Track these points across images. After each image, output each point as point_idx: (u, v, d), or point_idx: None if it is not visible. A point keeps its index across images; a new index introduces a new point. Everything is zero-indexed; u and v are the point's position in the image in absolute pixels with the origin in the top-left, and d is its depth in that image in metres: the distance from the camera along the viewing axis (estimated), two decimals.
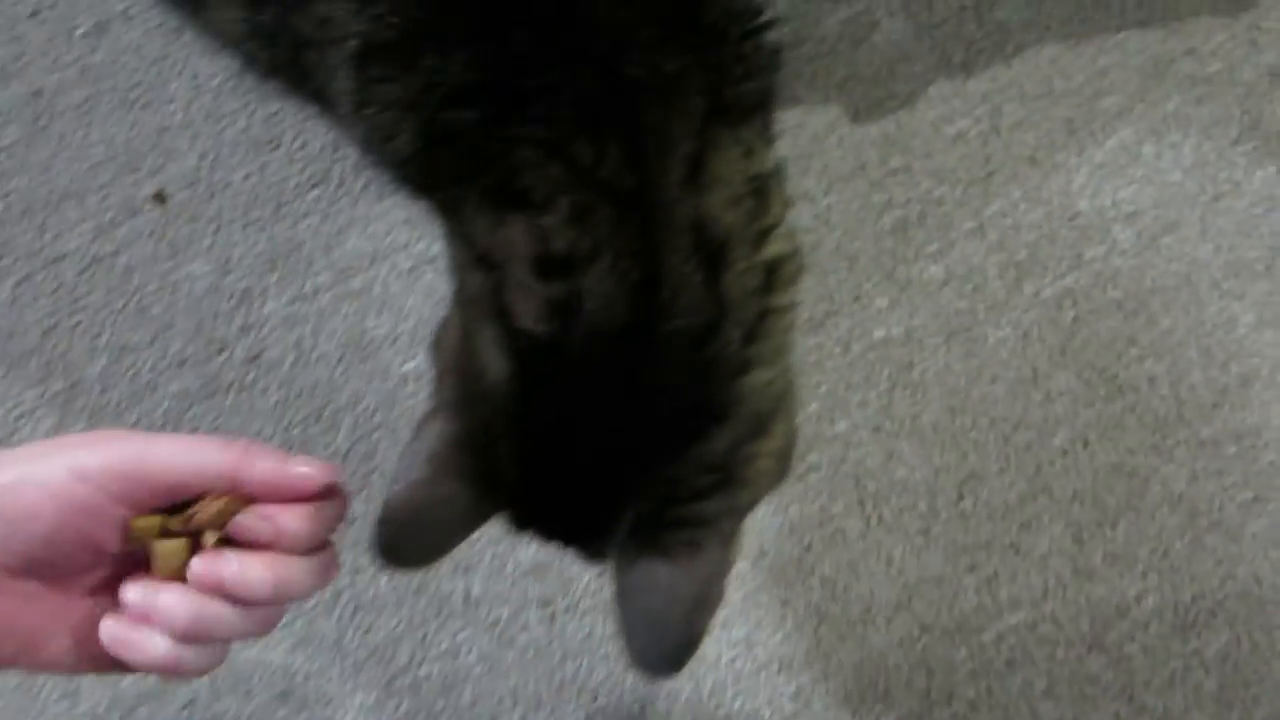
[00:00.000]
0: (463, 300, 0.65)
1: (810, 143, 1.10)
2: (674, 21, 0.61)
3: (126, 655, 0.55)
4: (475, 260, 0.62)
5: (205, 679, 1.07)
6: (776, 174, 0.67)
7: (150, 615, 0.54)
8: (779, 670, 1.03)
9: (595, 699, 1.04)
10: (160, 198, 1.11)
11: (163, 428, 1.08)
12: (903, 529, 1.05)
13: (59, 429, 1.09)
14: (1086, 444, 1.05)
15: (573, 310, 0.58)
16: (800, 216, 1.09)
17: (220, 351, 1.09)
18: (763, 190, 0.64)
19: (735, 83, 0.64)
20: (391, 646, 1.06)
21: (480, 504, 0.64)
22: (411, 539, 0.64)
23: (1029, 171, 1.08)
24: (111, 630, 0.55)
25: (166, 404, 1.09)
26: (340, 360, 1.10)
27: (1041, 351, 1.07)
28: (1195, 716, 1.01)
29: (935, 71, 1.11)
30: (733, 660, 1.04)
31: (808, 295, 1.07)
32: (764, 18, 0.66)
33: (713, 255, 0.60)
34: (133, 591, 0.55)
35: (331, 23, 0.64)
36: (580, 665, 1.05)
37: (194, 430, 1.09)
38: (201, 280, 1.10)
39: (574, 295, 0.58)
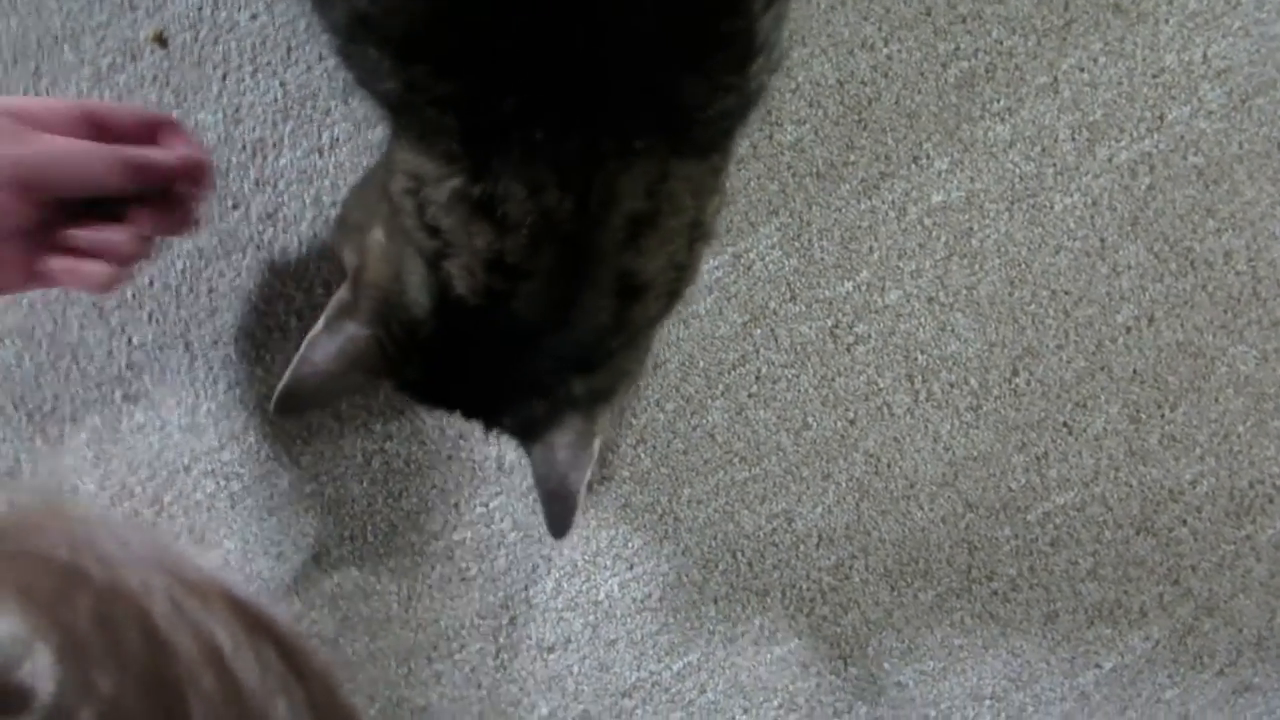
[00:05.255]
0: (399, 228, 0.69)
1: None
2: (658, 99, 0.64)
3: (73, 279, 0.73)
4: (427, 227, 0.66)
5: (239, 545, 1.04)
6: (712, 215, 0.72)
7: (98, 248, 0.73)
8: (818, 543, 0.99)
9: (631, 567, 1.00)
10: (161, 40, 0.99)
11: (179, 289, 1.01)
12: (952, 405, 0.98)
13: None
14: (1152, 321, 0.96)
15: (504, 299, 0.66)
16: (858, 66, 0.97)
17: (235, 207, 1.00)
18: (697, 238, 0.70)
19: (706, 126, 0.67)
20: (424, 512, 1.02)
21: (380, 385, 0.78)
22: (308, 403, 0.80)
23: (1112, 20, 0.96)
24: (62, 264, 0.73)
25: (181, 264, 1.01)
26: None
27: (1111, 221, 0.97)
28: (1241, 601, 0.96)
29: None
30: (771, 533, 0.99)
31: (863, 155, 0.97)
32: (756, 64, 0.66)
33: (629, 295, 0.68)
34: (85, 233, 0.73)
35: None
36: (616, 534, 1.00)
37: (211, 293, 1.02)
38: (210, 131, 1.00)
39: (510, 292, 0.66)
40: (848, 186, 0.94)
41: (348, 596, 0.98)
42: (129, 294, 0.97)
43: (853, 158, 0.94)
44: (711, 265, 0.95)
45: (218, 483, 0.98)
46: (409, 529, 0.98)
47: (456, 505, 0.97)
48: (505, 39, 0.62)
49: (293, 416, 0.87)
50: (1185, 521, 0.94)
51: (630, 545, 0.97)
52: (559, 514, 0.77)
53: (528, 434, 0.76)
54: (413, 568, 0.98)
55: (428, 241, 0.67)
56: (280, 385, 0.75)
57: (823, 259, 0.94)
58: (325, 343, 0.73)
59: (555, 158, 0.63)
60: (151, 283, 0.97)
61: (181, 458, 0.98)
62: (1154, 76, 0.92)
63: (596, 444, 0.73)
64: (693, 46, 0.64)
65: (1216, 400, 0.94)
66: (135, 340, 0.97)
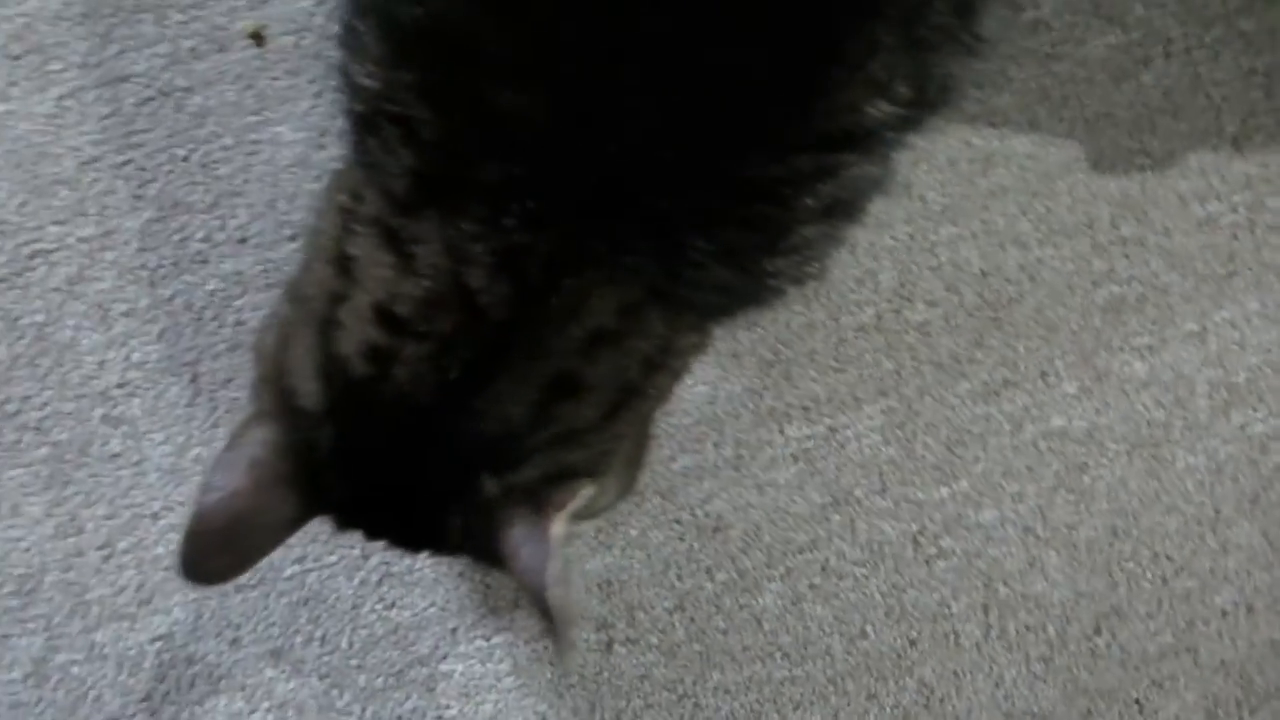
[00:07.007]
0: (295, 296, 0.62)
1: (1039, 180, 0.89)
2: (661, 239, 0.57)
3: None
4: (339, 258, 0.59)
5: (190, 616, 0.90)
6: (686, 350, 0.64)
7: None
8: None
9: None
10: (258, 37, 0.87)
11: (202, 311, 0.88)
12: (1024, 650, 0.89)
13: (78, 280, 0.88)
14: (1250, 611, 0.86)
15: (387, 364, 0.57)
16: (1006, 262, 0.90)
17: (292, 239, 0.88)
18: (660, 365, 0.62)
19: (695, 288, 0.59)
20: (415, 631, 0.88)
21: (304, 510, 0.61)
22: (222, 551, 0.60)
23: (1274, 283, 0.90)
24: None
25: (214, 284, 0.87)
26: None
27: (1230, 493, 0.88)
28: None
29: (1201, 137, 0.91)
30: None
31: (990, 355, 0.89)
32: (776, 263, 0.59)
33: (561, 392, 0.58)
34: None
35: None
36: (626, 707, 0.87)
37: (238, 325, 0.89)
38: (287, 148, 0.87)
39: (392, 353, 0.57)
40: (967, 385, 0.85)
41: (301, 707, 0.84)
42: (143, 304, 0.84)
43: (979, 356, 0.85)
44: (802, 433, 0.85)
45: None
46: (392, 646, 0.84)
47: (454, 631, 0.84)
48: (518, 96, 0.53)
49: (210, 581, 0.64)
50: None
51: None
52: (551, 633, 0.60)
53: (480, 552, 0.62)
54: (384, 691, 0.84)
55: (331, 280, 0.59)
56: (184, 535, 0.58)
57: (923, 456, 0.85)
58: (228, 461, 0.59)
59: (509, 247, 0.55)
60: (173, 297, 0.84)
61: (152, 502, 0.83)
62: None
63: (558, 527, 0.59)
64: (713, 210, 0.57)
65: None
66: (136, 358, 0.83)
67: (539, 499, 0.59)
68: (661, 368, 0.63)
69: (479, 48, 0.54)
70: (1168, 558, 0.85)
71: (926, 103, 0.58)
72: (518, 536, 0.58)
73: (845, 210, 0.60)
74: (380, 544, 0.80)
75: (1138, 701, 0.85)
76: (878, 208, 0.84)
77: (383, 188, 0.58)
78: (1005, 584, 0.85)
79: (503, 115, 0.54)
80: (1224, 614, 0.86)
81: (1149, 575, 0.85)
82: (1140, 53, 0.87)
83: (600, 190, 0.55)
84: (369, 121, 0.58)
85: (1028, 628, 0.85)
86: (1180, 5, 0.87)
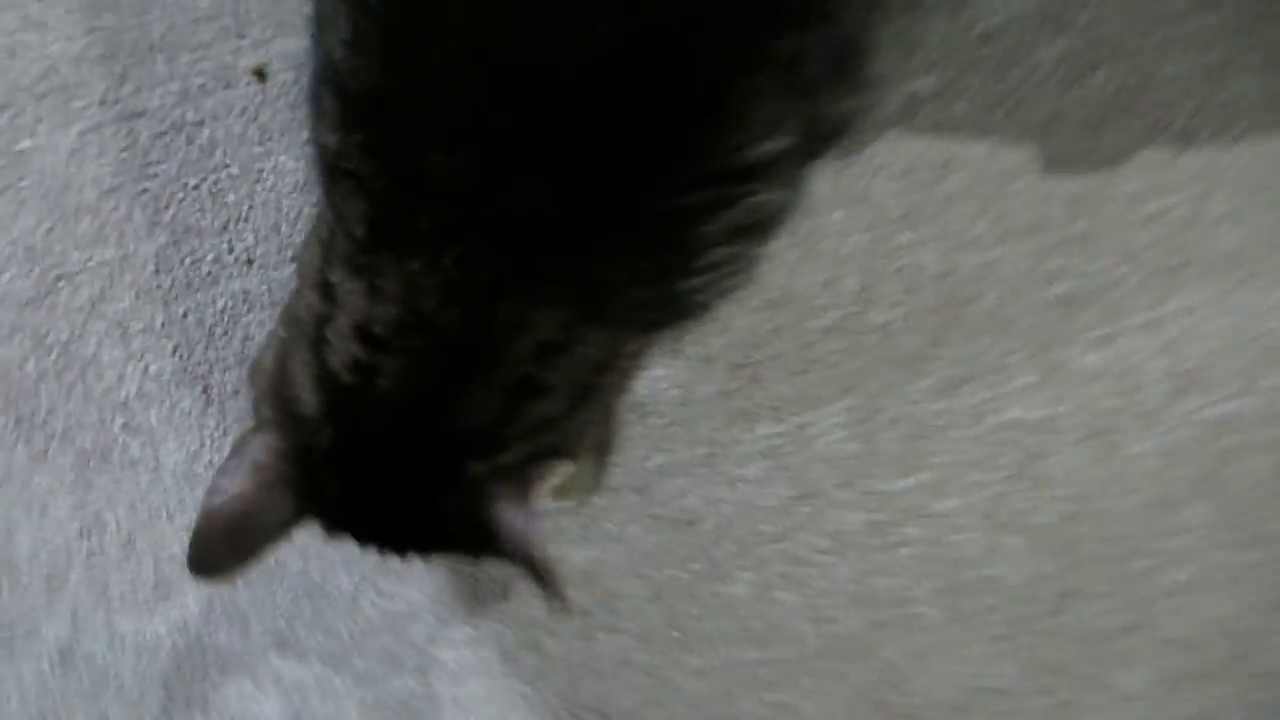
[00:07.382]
0: (290, 319, 0.69)
1: (992, 183, 0.94)
2: (573, 267, 0.63)
3: None
4: (321, 284, 0.66)
5: (203, 607, 0.97)
6: (630, 357, 0.70)
7: None
8: None
9: None
10: (261, 74, 0.94)
11: (213, 328, 0.95)
12: (985, 630, 0.91)
13: (100, 300, 0.95)
14: (1206, 588, 0.90)
15: (370, 376, 0.64)
16: (964, 262, 0.94)
17: (294, 260, 0.96)
18: (608, 369, 0.68)
19: (623, 304, 0.65)
20: (408, 619, 0.94)
21: (302, 510, 0.66)
22: (226, 548, 0.65)
23: (1225, 272, 0.93)
24: None
25: (223, 302, 0.95)
26: None
27: (1184, 476, 0.92)
28: None
29: (1149, 135, 0.94)
30: None
31: (949, 352, 0.94)
32: (690, 283, 0.65)
33: (526, 394, 0.65)
34: None
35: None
36: (607, 690, 0.92)
37: (245, 340, 0.96)
38: (289, 176, 0.95)
39: (374, 367, 0.64)
40: (927, 382, 0.90)
41: (304, 690, 0.90)
42: (159, 321, 0.91)
43: (939, 353, 0.90)
44: (771, 432, 0.90)
45: None
46: (388, 633, 0.90)
47: (445, 621, 0.90)
48: (446, 157, 0.60)
49: (216, 576, 0.67)
50: None
51: (618, 705, 0.89)
52: (545, 592, 0.64)
53: (470, 536, 0.67)
54: (382, 677, 0.90)
55: (318, 304, 0.66)
56: (192, 534, 0.65)
57: (886, 450, 0.89)
58: (233, 466, 0.65)
59: (449, 282, 0.62)
60: (185, 315, 0.91)
61: (168, 503, 0.91)
62: (1254, 339, 0.89)
63: (541, 500, 0.65)
64: (623, 242, 0.62)
65: (1250, 687, 0.89)
66: (153, 370, 0.91)
67: (522, 477, 0.66)
68: (612, 368, 0.69)
69: (411, 114, 0.60)
70: (1123, 539, 0.89)
71: (820, 137, 0.63)
72: (505, 509, 0.65)
73: (753, 232, 0.64)
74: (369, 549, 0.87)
75: (1095, 676, 0.88)
76: (839, 216, 0.90)
77: (346, 231, 0.65)
78: (967, 569, 0.89)
79: (432, 173, 0.61)
80: (1180, 591, 0.89)
81: (1106, 557, 0.89)
82: (1089, 58, 0.90)
83: (520, 232, 0.62)
84: (331, 173, 0.65)
85: (989, 609, 0.89)
86: (1126, 8, 0.91)
